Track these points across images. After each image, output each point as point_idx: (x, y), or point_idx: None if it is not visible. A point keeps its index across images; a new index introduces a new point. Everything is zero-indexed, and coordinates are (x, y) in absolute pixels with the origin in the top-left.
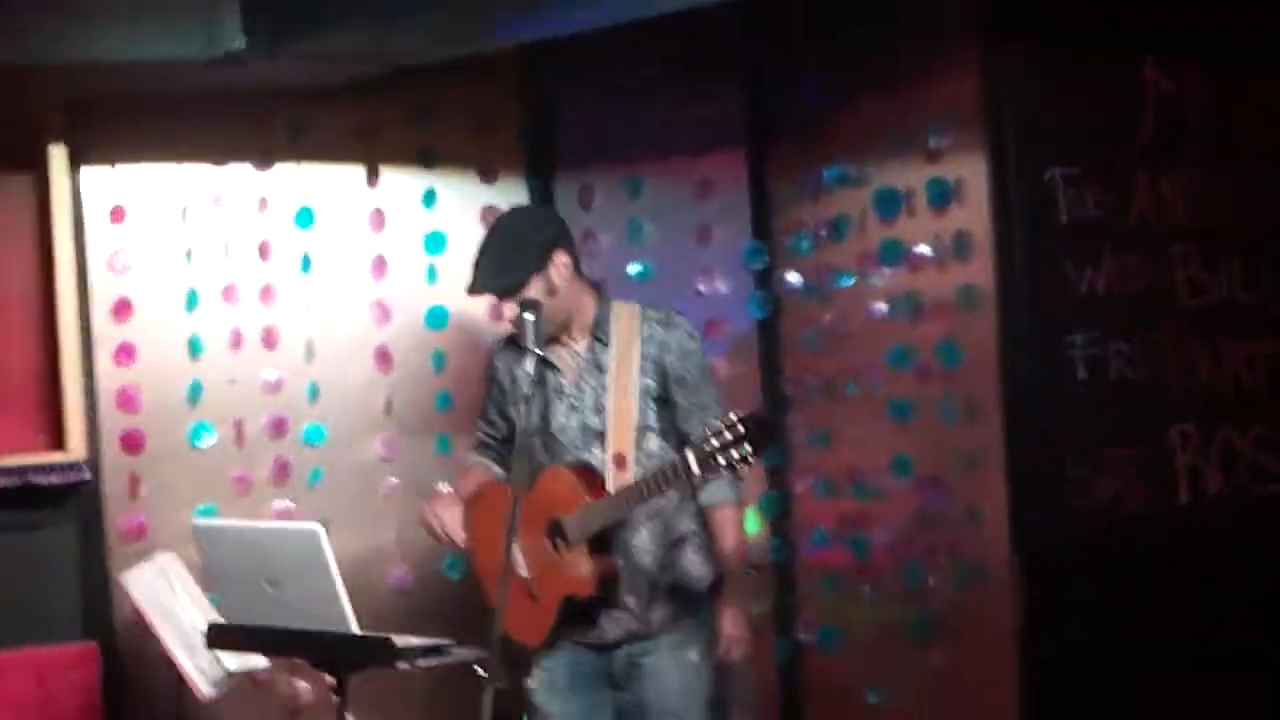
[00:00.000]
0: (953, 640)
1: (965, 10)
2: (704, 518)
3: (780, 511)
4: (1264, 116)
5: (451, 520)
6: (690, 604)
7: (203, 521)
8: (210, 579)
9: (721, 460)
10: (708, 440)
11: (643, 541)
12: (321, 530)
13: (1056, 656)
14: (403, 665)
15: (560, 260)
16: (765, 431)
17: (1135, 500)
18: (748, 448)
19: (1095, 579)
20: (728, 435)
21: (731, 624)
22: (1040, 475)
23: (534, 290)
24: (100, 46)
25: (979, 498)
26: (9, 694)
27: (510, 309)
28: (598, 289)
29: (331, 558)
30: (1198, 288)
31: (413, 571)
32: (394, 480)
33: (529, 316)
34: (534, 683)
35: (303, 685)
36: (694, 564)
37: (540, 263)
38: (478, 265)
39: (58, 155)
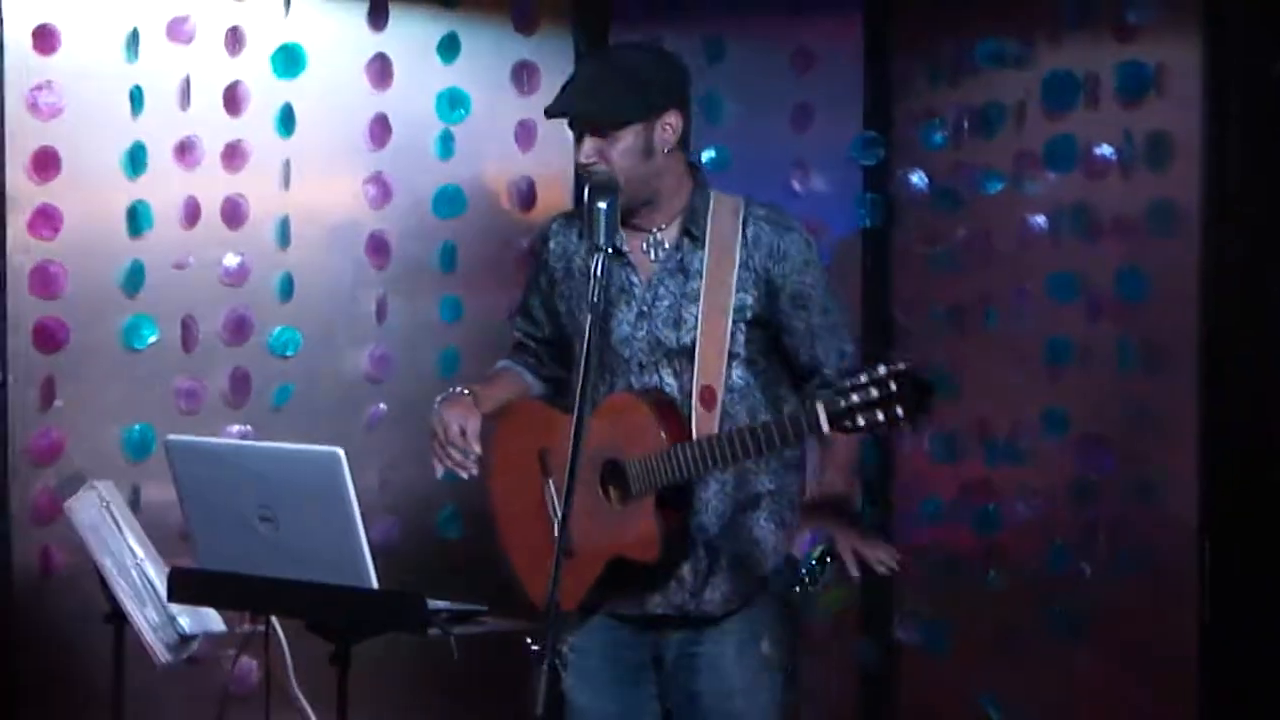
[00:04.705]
0: (1111, 646)
1: None
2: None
3: (878, 475)
4: None
5: (471, 426)
6: (754, 582)
7: (179, 439)
8: (183, 512)
9: (861, 420)
10: (845, 393)
11: (710, 496)
12: (342, 455)
13: (1250, 669)
14: (433, 632)
15: (670, 120)
16: (925, 395)
17: None
18: (899, 410)
19: None
20: (873, 391)
21: (858, 539)
22: (1243, 442)
23: (628, 141)
24: None
25: (1158, 466)
26: None
27: (590, 149)
28: (697, 172)
29: (353, 493)
30: None
31: (400, 523)
32: (382, 407)
33: (601, 205)
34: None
35: (246, 664)
36: (766, 532)
37: (646, 112)
38: (570, 83)
39: None
